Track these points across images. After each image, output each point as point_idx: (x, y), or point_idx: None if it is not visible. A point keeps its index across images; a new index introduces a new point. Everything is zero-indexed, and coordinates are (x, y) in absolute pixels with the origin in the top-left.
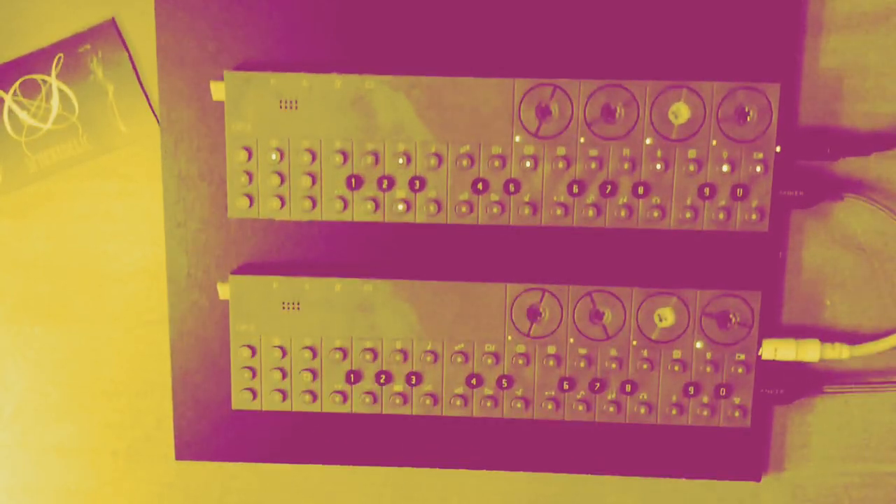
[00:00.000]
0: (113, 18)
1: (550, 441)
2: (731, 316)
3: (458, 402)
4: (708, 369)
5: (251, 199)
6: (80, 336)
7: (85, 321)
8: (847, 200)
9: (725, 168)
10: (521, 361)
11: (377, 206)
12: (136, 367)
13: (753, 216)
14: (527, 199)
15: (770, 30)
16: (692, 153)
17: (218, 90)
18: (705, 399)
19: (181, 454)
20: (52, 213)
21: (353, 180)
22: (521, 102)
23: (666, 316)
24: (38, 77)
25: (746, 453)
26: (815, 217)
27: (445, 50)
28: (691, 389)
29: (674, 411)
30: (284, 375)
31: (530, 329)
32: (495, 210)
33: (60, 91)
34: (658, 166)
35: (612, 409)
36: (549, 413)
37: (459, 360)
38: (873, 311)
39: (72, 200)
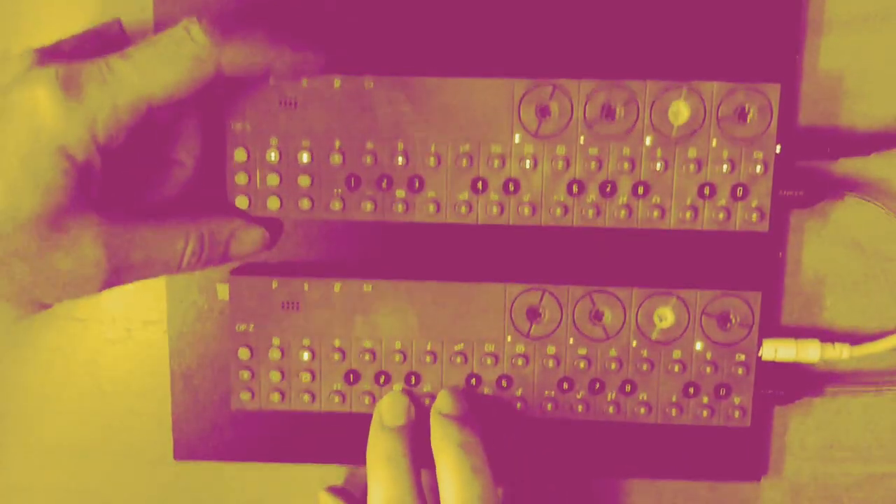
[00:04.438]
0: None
1: (550, 442)
2: (731, 316)
3: None
4: (708, 369)
5: (250, 198)
6: (79, 336)
7: (84, 321)
8: (847, 200)
9: (725, 168)
10: (520, 362)
11: (376, 206)
12: (135, 368)
13: (753, 216)
14: (526, 198)
15: (770, 30)
16: (692, 153)
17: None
18: (705, 399)
19: (180, 454)
20: None
21: (352, 180)
22: (520, 102)
23: (666, 316)
24: None
25: (746, 454)
26: (815, 217)
27: (445, 50)
28: (691, 389)
29: (674, 411)
30: (284, 375)
31: (530, 329)
32: (495, 210)
33: None
34: (658, 166)
35: (611, 409)
36: (549, 413)
37: (459, 360)
38: (873, 311)
39: None
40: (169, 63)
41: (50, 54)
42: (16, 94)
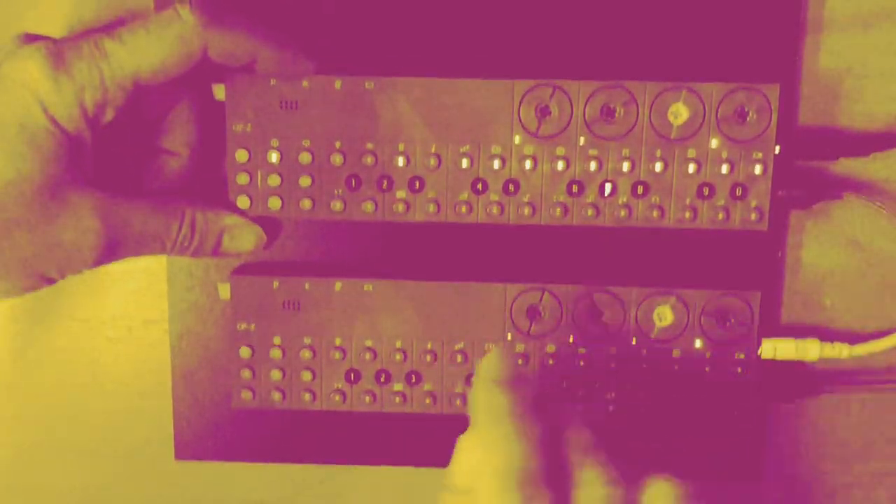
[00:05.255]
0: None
1: None
2: (730, 315)
3: (458, 402)
4: (707, 368)
5: (251, 198)
6: (80, 336)
7: (85, 321)
8: (847, 200)
9: (725, 168)
10: (520, 361)
11: (377, 206)
12: (135, 367)
13: (753, 216)
14: (526, 198)
15: (770, 30)
16: (692, 153)
17: (218, 90)
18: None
19: (181, 454)
20: None
21: (353, 180)
22: (520, 103)
23: (665, 315)
24: None
25: (746, 454)
26: (814, 217)
27: (446, 51)
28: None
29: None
30: (284, 374)
31: (530, 328)
32: (495, 210)
33: None
34: (657, 166)
35: (612, 407)
36: None
37: (459, 359)
38: (872, 310)
39: None
40: (156, 41)
41: (39, 37)
42: (7, 67)
